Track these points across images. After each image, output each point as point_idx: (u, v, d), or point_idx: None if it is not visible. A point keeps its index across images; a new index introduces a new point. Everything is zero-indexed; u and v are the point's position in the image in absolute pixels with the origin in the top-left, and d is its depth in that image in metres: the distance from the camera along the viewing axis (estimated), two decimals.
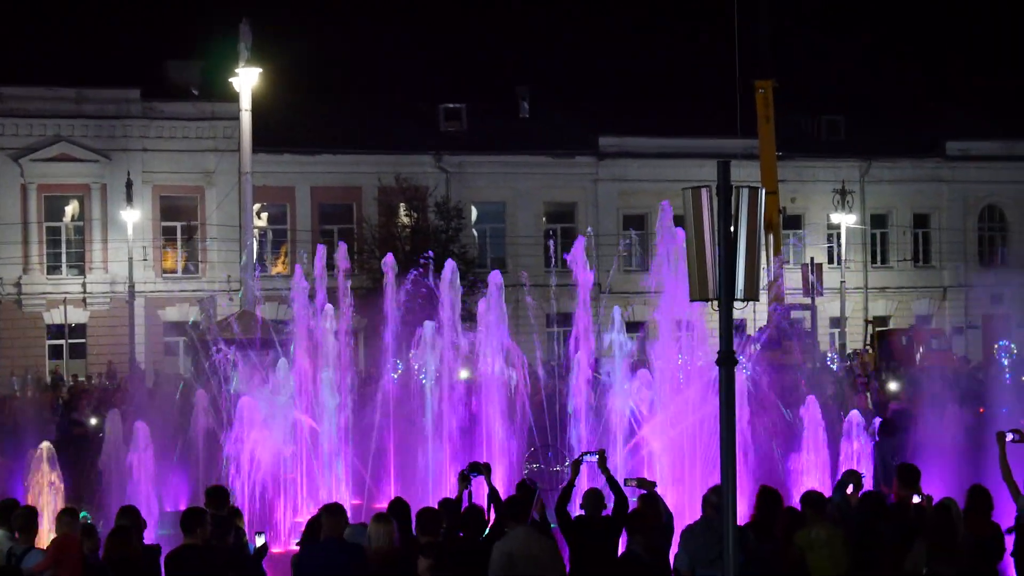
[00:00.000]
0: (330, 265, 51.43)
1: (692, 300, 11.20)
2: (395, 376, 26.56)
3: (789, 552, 14.20)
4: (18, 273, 53.52)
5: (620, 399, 21.82)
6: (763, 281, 11.39)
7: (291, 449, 22.11)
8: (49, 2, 71.72)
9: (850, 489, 16.06)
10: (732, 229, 10.83)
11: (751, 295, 10.95)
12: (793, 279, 56.88)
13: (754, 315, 52.37)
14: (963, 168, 65.84)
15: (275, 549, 16.73)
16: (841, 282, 60.20)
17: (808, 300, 56.30)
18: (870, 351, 54.04)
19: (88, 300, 54.18)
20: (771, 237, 51.52)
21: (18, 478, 21.09)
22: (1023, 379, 35.63)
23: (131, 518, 15.09)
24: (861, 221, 63.32)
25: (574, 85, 64.71)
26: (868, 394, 31.84)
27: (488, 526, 15.02)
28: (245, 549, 15.18)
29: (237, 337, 39.24)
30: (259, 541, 15.05)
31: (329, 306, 24.74)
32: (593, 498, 15.20)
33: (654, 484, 16.08)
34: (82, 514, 17.91)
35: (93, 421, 25.89)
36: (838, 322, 60.74)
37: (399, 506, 15.23)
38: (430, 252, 38.77)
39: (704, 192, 10.93)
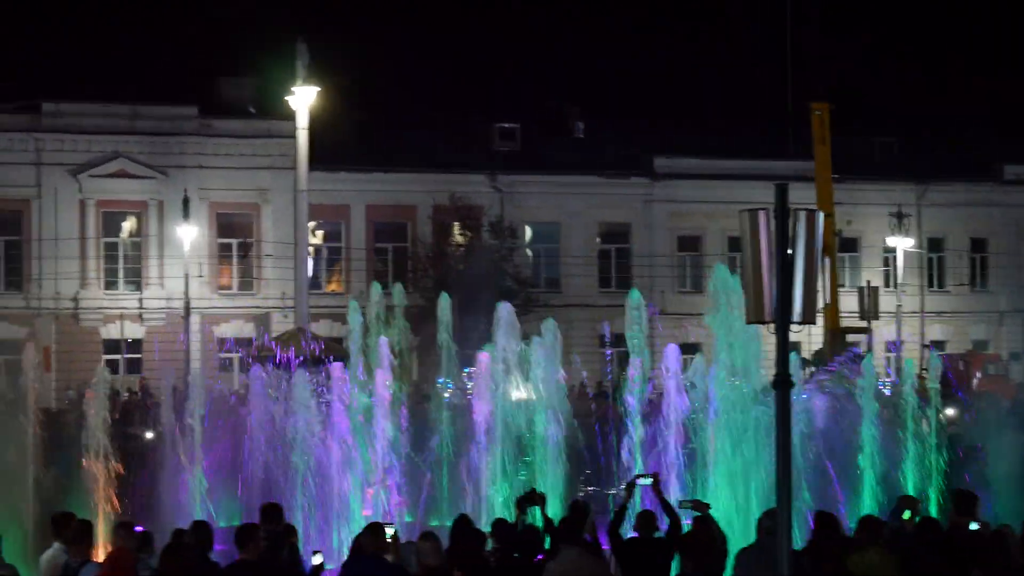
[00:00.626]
0: (383, 284, 51.46)
1: (748, 322, 11.16)
2: (447, 396, 26.52)
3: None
4: (76, 288, 53.90)
5: (674, 421, 21.72)
6: (819, 304, 11.35)
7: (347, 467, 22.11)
8: (107, 20, 72.34)
9: (907, 515, 15.94)
10: (789, 252, 10.78)
11: (808, 318, 10.89)
12: (848, 302, 56.60)
13: (809, 338, 52.22)
14: (1020, 192, 65.35)
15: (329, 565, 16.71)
16: (897, 306, 59.83)
17: (864, 324, 55.95)
18: (926, 376, 53.59)
19: (144, 316, 54.48)
20: (827, 260, 51.29)
21: (73, 492, 21.20)
22: None
23: (199, 534, 15.07)
24: (918, 245, 62.93)
25: (628, 105, 64.74)
26: (925, 419, 31.55)
27: (542, 549, 15.00)
28: (299, 566, 15.18)
29: (291, 354, 39.43)
30: (316, 560, 15.04)
31: (383, 339, 24.55)
32: (646, 520, 15.14)
33: (708, 506, 16.00)
34: (137, 528, 18.01)
35: (148, 435, 26.01)
36: (894, 346, 60.35)
37: (462, 524, 15.26)
38: None
39: (761, 214, 10.87)
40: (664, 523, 15.51)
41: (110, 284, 54.92)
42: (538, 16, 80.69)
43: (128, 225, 55.54)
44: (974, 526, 15.33)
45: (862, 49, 72.41)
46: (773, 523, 12.33)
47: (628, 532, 15.42)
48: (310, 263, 50.42)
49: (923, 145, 64.42)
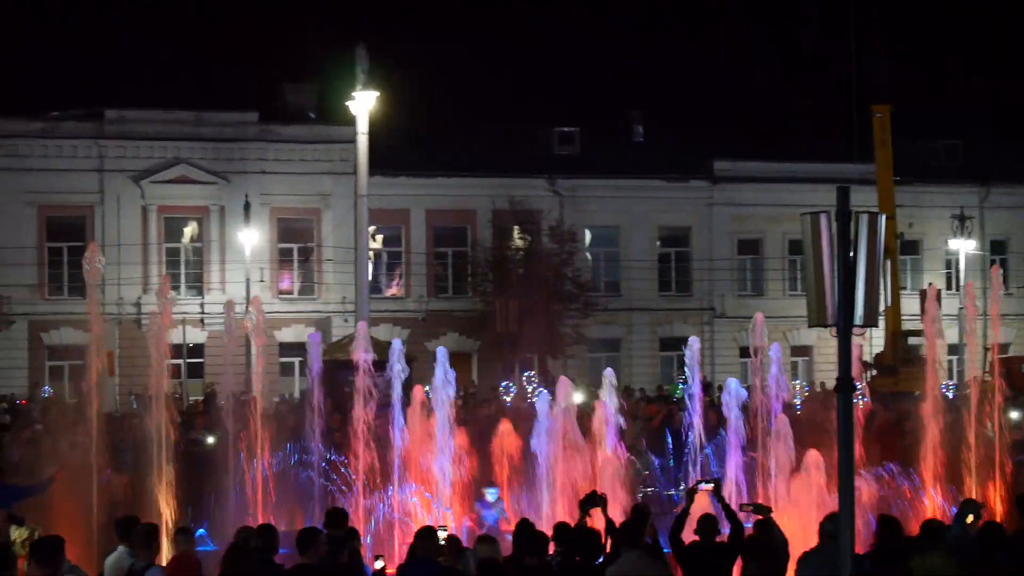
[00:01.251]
0: (443, 288, 51.57)
1: (811, 326, 11.12)
2: (508, 399, 26.56)
3: None
4: (138, 293, 54.31)
5: (735, 425, 21.71)
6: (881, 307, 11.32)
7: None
8: (169, 28, 72.88)
9: (971, 519, 15.84)
10: (851, 255, 10.74)
11: (870, 322, 10.85)
12: (910, 305, 56.21)
13: (871, 342, 51.91)
14: None
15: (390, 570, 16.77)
16: (960, 308, 59.34)
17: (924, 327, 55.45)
18: (989, 379, 53.16)
19: (206, 321, 54.82)
20: (888, 263, 50.97)
21: (136, 496, 21.39)
22: None
23: (264, 537, 15.14)
24: (980, 247, 62.42)
25: (688, 108, 64.61)
26: (988, 422, 31.32)
27: (604, 552, 15.01)
28: (361, 571, 15.23)
29: (351, 359, 39.49)
30: (378, 565, 15.11)
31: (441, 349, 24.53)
32: (707, 524, 15.11)
33: (770, 510, 15.96)
34: (199, 532, 18.15)
35: (210, 440, 26.16)
36: (956, 349, 59.87)
37: (525, 527, 15.28)
38: None
39: (823, 217, 10.84)
40: (725, 528, 15.47)
41: (172, 289, 55.21)
42: (597, 20, 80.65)
43: (190, 230, 55.92)
44: None
45: (920, 53, 71.95)
46: (835, 527, 12.27)
47: (689, 538, 15.39)
48: (370, 267, 50.56)
49: (986, 147, 63.90)
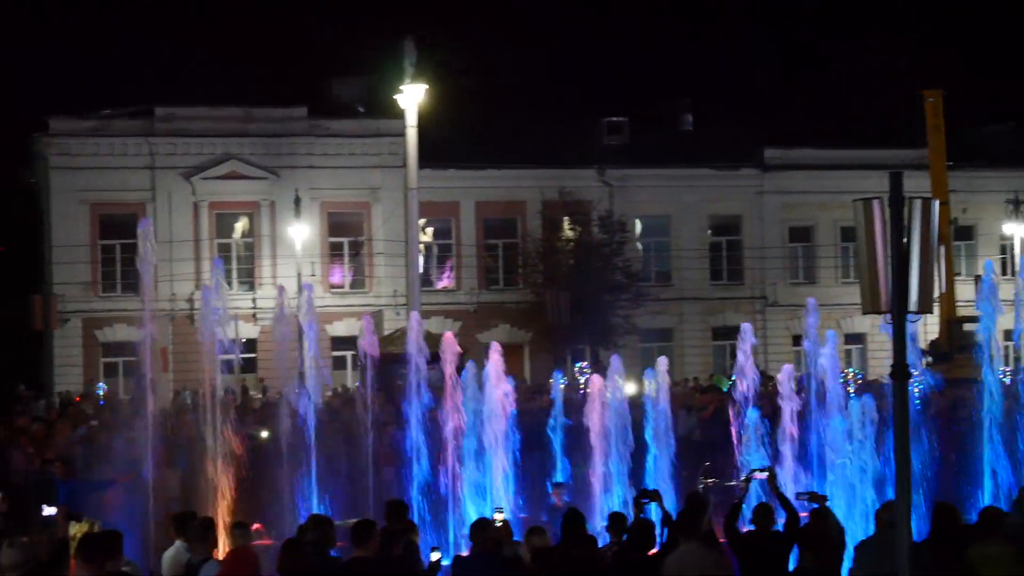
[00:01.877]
0: (493, 280, 51.63)
1: (865, 313, 11.06)
2: (561, 388, 26.50)
3: (961, 567, 13.92)
4: (190, 289, 54.56)
5: (790, 415, 21.62)
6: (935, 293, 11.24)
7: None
8: (218, 25, 73.17)
9: None
10: (905, 241, 10.66)
11: (925, 308, 10.77)
12: (964, 291, 55.82)
13: (925, 328, 51.61)
14: None
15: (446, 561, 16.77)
16: (1015, 294, 58.79)
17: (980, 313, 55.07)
18: None
19: (258, 315, 55.03)
20: (942, 248, 50.60)
21: (192, 491, 21.50)
22: None
23: (320, 530, 15.18)
24: None
25: (737, 97, 64.37)
26: None
27: (655, 543, 14.97)
28: (416, 564, 15.24)
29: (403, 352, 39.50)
30: (434, 556, 15.13)
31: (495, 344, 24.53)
32: (763, 513, 15.05)
33: (825, 498, 15.88)
34: (255, 526, 18.20)
35: (264, 434, 26.25)
36: (1014, 336, 59.36)
37: (574, 516, 15.28)
38: None
39: (876, 204, 10.77)
40: (782, 516, 15.41)
41: (223, 284, 55.39)
42: (644, 9, 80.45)
43: (240, 226, 56.12)
44: None
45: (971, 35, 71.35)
46: (892, 515, 12.20)
47: (745, 527, 15.34)
48: (421, 260, 50.63)
49: None
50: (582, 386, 33.86)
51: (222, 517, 19.48)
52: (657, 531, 15.22)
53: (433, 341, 40.03)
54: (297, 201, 53.28)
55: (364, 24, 72.63)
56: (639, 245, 60.03)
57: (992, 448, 21.75)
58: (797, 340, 53.25)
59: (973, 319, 54.70)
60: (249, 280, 55.56)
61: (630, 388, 26.01)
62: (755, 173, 60.94)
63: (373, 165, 56.10)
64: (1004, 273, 60.88)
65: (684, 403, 30.08)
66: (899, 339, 10.81)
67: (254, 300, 55.03)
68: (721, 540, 15.10)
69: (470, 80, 56.40)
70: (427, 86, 42.18)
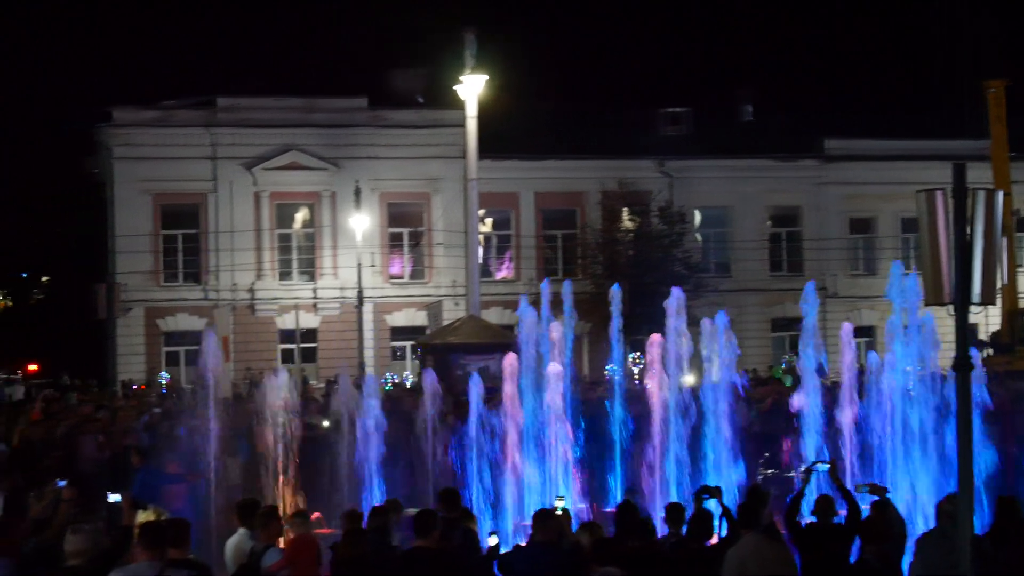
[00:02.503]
0: (552, 271, 51.62)
1: (927, 304, 11.03)
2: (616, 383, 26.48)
3: (1022, 561, 13.86)
4: (252, 279, 54.89)
5: (849, 407, 21.55)
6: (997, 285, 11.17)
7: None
8: (280, 16, 73.53)
9: None
10: (968, 232, 10.63)
11: (988, 299, 10.74)
12: None
13: (986, 320, 51.28)
14: None
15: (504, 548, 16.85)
16: None
17: None
18: None
19: (318, 305, 55.31)
20: (1005, 240, 50.23)
21: (253, 479, 21.66)
22: None
23: (379, 519, 15.32)
24: None
25: (797, 87, 64.13)
26: None
27: (712, 534, 15.00)
28: (475, 551, 15.34)
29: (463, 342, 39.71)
30: (491, 542, 15.24)
31: (555, 323, 24.67)
32: (824, 505, 15.03)
33: (886, 490, 15.82)
34: (315, 515, 18.32)
35: (325, 424, 26.38)
36: None
37: (628, 507, 15.31)
38: None
39: (939, 195, 10.73)
40: (842, 508, 15.38)
41: (284, 275, 55.82)
42: (705, 0, 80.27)
43: (301, 216, 56.39)
44: None
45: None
46: (954, 508, 12.16)
47: (806, 519, 15.32)
48: (480, 251, 50.73)
49: None
50: (636, 376, 33.85)
51: (284, 506, 19.63)
52: (715, 524, 15.24)
53: (492, 332, 40.26)
54: (357, 192, 53.48)
55: (424, 15, 72.75)
56: (699, 236, 59.91)
57: None
58: (858, 332, 53.03)
59: None
60: (310, 270, 55.81)
61: (689, 379, 25.94)
62: (815, 164, 60.67)
63: (433, 156, 56.21)
64: None
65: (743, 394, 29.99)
66: (961, 331, 10.77)
67: (315, 290, 55.31)
68: (782, 532, 15.09)
69: (530, 71, 56.48)
70: (487, 77, 42.24)
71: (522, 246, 57.79)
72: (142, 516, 14.16)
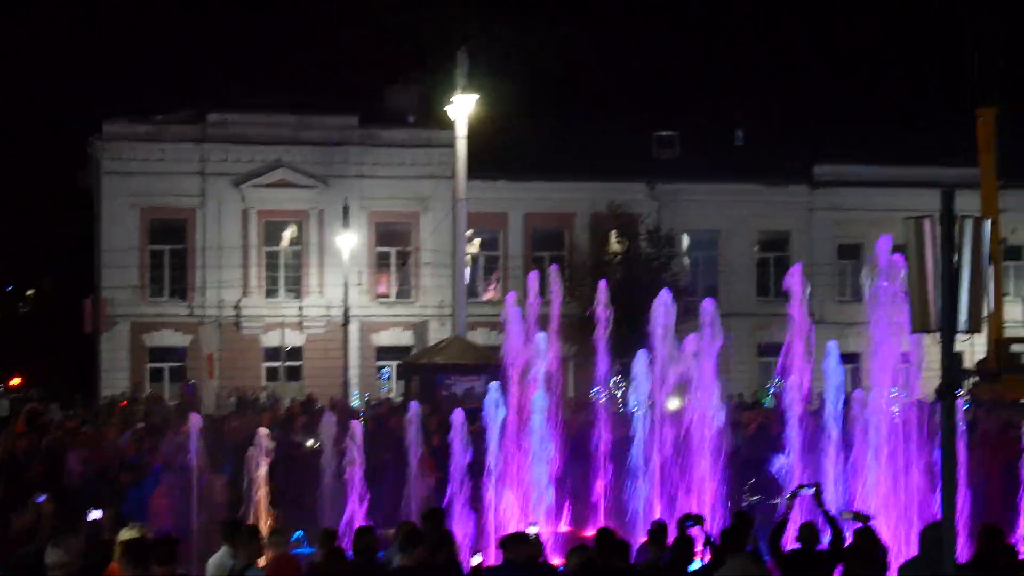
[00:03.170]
0: (541, 293, 51.58)
1: (913, 331, 11.00)
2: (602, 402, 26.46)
3: None
4: (238, 296, 54.80)
5: (834, 431, 21.53)
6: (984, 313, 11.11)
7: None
8: (271, 32, 73.56)
9: None
10: (955, 260, 10.61)
11: (974, 327, 10.71)
12: (1014, 311, 55.52)
13: (972, 348, 51.31)
14: None
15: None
16: None
17: None
18: None
19: (304, 324, 55.23)
20: (992, 268, 50.27)
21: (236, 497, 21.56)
22: None
23: (363, 540, 15.25)
24: None
25: (789, 113, 64.15)
26: None
27: (692, 558, 14.97)
28: (457, 570, 15.29)
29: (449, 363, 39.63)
30: (475, 561, 15.22)
31: (540, 334, 24.73)
32: (808, 531, 14.99)
33: (869, 517, 15.80)
34: (297, 534, 18.27)
35: (309, 442, 26.31)
36: None
37: (606, 536, 15.26)
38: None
39: (927, 222, 10.71)
40: (826, 534, 15.35)
41: (271, 292, 55.75)
42: (696, 23, 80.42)
43: (289, 234, 56.31)
44: None
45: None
46: (938, 535, 12.12)
47: (789, 544, 15.28)
48: (468, 271, 50.67)
49: None
50: (619, 400, 33.85)
51: (264, 525, 19.54)
52: (697, 549, 15.20)
53: (478, 353, 40.26)
54: (346, 210, 53.42)
55: (419, 33, 72.85)
56: (687, 260, 59.92)
57: None
58: (845, 358, 52.98)
59: (1022, 340, 54.64)
60: (296, 288, 55.74)
61: (675, 403, 25.91)
62: (805, 190, 60.78)
63: (423, 175, 56.20)
64: None
65: (730, 419, 29.93)
66: (947, 358, 10.74)
67: (301, 308, 55.23)
68: (765, 558, 15.06)
69: (520, 92, 56.45)
70: (478, 96, 42.25)
71: (510, 267, 57.72)
72: (125, 533, 14.08)
